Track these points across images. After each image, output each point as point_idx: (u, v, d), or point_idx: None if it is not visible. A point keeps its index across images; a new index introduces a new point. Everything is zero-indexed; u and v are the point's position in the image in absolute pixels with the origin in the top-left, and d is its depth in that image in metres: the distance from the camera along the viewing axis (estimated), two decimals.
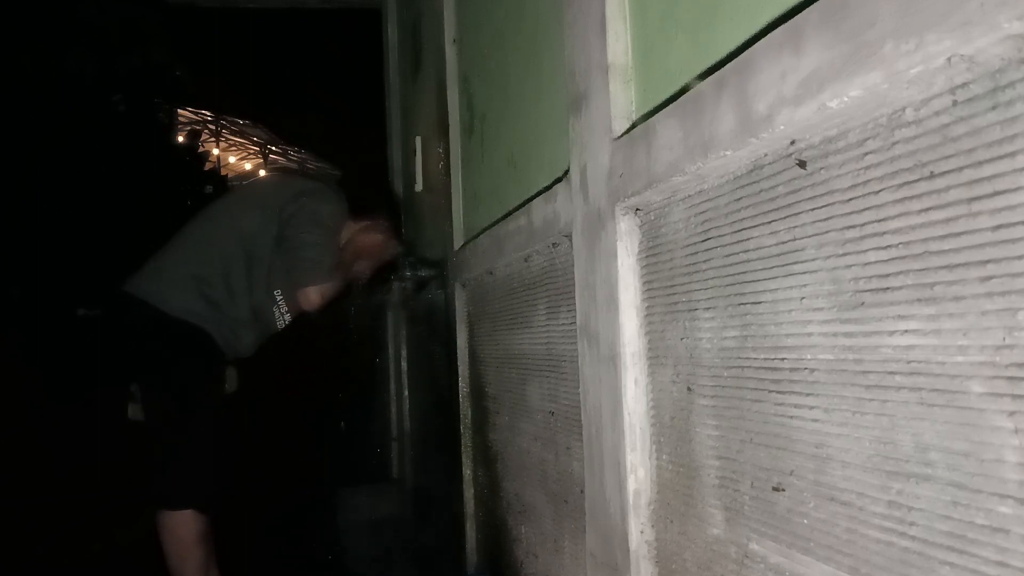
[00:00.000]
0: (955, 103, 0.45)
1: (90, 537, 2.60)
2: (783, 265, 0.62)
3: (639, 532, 0.88)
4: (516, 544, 1.48)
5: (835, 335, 0.56)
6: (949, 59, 0.43)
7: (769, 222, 0.63)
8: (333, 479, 2.90)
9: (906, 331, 0.49)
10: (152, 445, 1.86)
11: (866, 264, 0.53)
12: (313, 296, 1.90)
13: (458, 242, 1.88)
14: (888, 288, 0.51)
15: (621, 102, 0.89)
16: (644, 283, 0.87)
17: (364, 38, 3.68)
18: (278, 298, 1.95)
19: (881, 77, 0.47)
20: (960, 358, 0.45)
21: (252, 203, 1.98)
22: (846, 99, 0.50)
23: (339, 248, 1.99)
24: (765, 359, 0.65)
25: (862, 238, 0.53)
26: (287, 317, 1.99)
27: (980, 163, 0.43)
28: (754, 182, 0.65)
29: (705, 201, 0.74)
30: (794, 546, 0.62)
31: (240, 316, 1.90)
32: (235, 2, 3.87)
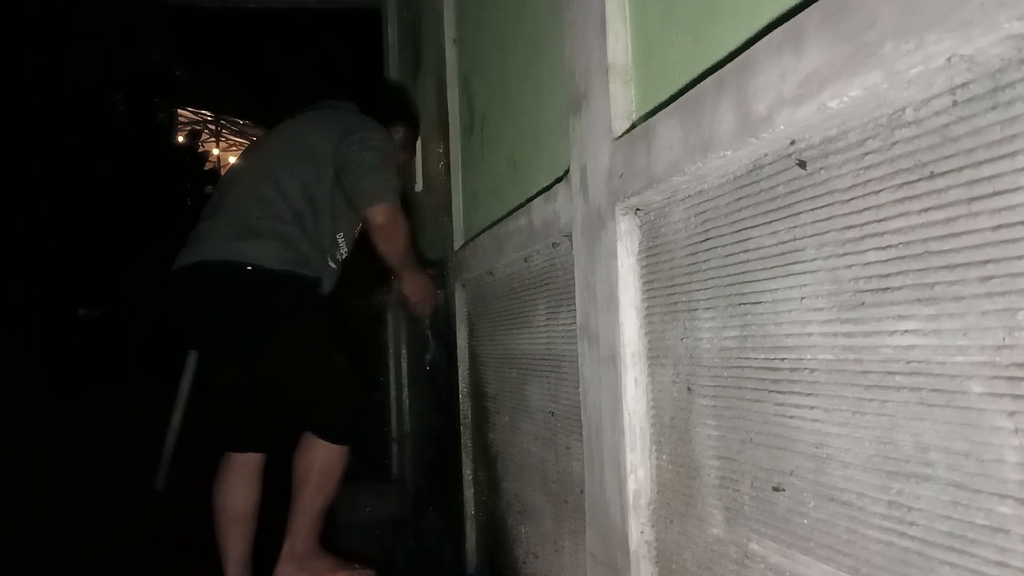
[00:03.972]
0: (955, 103, 0.45)
1: (90, 537, 2.61)
2: (783, 265, 0.62)
3: (639, 532, 0.88)
4: (516, 544, 1.48)
5: (835, 335, 0.56)
6: (949, 59, 0.43)
7: (769, 222, 0.63)
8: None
9: (906, 331, 0.49)
10: (299, 389, 1.89)
11: (866, 264, 0.53)
12: (380, 217, 1.89)
13: (458, 242, 1.88)
14: (888, 288, 0.51)
15: (621, 102, 0.89)
16: (644, 283, 0.87)
17: (364, 38, 3.68)
18: (340, 240, 1.97)
19: (881, 77, 0.47)
20: (960, 358, 0.45)
21: (304, 152, 1.92)
22: (846, 99, 0.50)
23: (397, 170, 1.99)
24: (765, 359, 0.65)
25: (862, 238, 0.53)
26: (343, 254, 2.00)
27: (980, 163, 0.43)
28: (754, 182, 0.65)
29: (705, 201, 0.74)
30: (794, 546, 0.62)
31: (321, 263, 1.92)
32: (235, 2, 3.87)
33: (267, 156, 1.96)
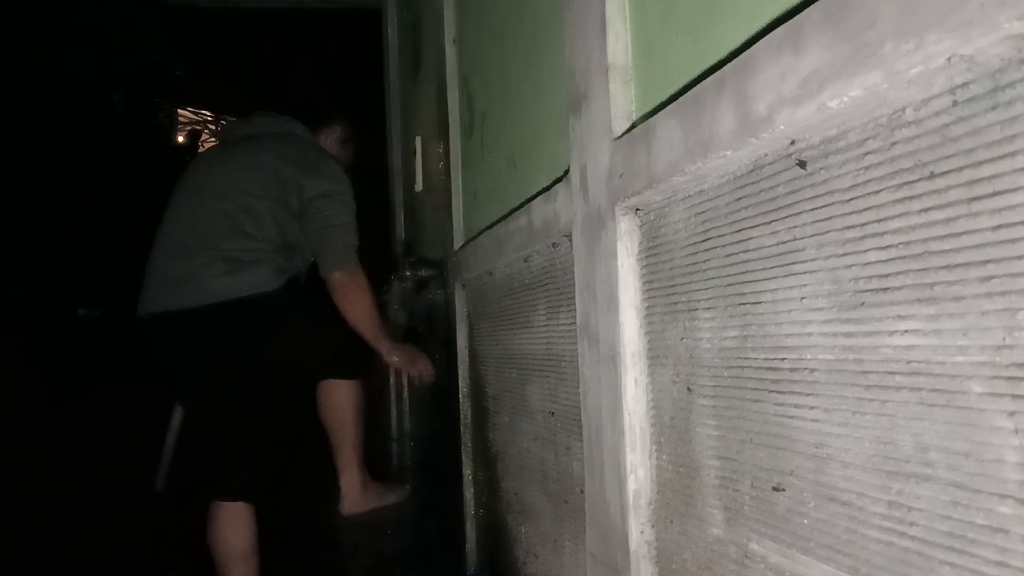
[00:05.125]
0: (955, 103, 0.45)
1: (90, 537, 2.61)
2: (783, 265, 0.62)
3: (639, 532, 0.88)
4: (516, 544, 1.48)
5: (835, 335, 0.56)
6: (949, 59, 0.43)
7: (769, 222, 0.63)
8: (333, 479, 2.90)
9: (906, 331, 0.49)
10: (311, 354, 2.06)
11: (866, 264, 0.53)
12: (339, 280, 1.93)
13: (458, 242, 1.88)
14: (888, 288, 0.51)
15: (621, 102, 0.89)
16: (644, 283, 0.87)
17: (364, 38, 3.68)
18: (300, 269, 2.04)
19: (881, 77, 0.47)
20: (960, 358, 0.45)
21: (273, 184, 1.91)
22: (846, 99, 0.50)
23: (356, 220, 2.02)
24: (765, 359, 0.65)
25: (862, 238, 0.53)
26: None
27: (980, 163, 0.43)
28: (754, 182, 0.65)
29: (705, 201, 0.74)
30: (794, 546, 0.62)
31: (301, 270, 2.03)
32: (235, 2, 3.87)
33: (235, 184, 1.93)
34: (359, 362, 2.13)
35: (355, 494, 2.15)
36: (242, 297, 1.81)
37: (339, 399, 2.09)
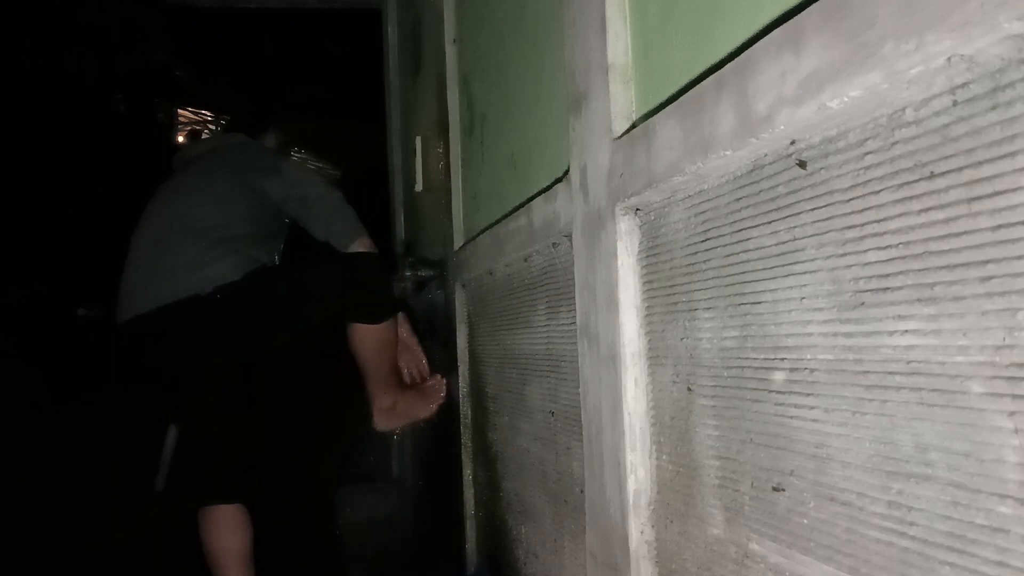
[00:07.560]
0: (955, 103, 0.45)
1: (90, 537, 2.60)
2: (783, 265, 0.62)
3: (639, 532, 0.88)
4: (516, 544, 1.48)
5: (835, 335, 0.56)
6: (949, 59, 0.43)
7: (769, 222, 0.63)
8: (333, 479, 2.91)
9: (906, 331, 0.49)
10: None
11: (866, 264, 0.53)
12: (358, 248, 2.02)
13: (458, 242, 1.88)
14: (888, 288, 0.51)
15: (621, 102, 0.89)
16: (644, 283, 0.87)
17: (364, 38, 3.68)
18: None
19: (881, 77, 0.47)
20: (960, 358, 0.45)
21: (238, 190, 1.98)
22: (846, 99, 0.50)
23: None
24: (765, 359, 0.65)
25: (862, 238, 0.53)
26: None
27: (980, 163, 0.43)
28: (754, 182, 0.65)
29: (705, 201, 0.74)
30: (794, 546, 0.62)
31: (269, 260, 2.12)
32: (235, 2, 3.87)
33: (200, 194, 1.99)
34: (373, 308, 2.12)
35: (383, 416, 2.22)
36: (204, 294, 1.84)
37: (361, 336, 2.09)
